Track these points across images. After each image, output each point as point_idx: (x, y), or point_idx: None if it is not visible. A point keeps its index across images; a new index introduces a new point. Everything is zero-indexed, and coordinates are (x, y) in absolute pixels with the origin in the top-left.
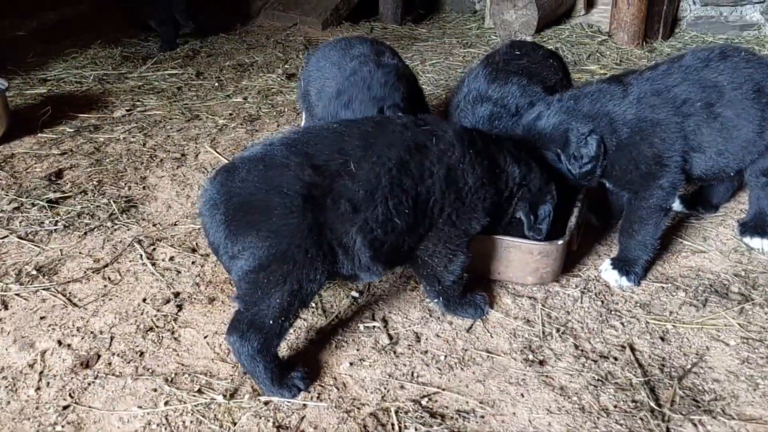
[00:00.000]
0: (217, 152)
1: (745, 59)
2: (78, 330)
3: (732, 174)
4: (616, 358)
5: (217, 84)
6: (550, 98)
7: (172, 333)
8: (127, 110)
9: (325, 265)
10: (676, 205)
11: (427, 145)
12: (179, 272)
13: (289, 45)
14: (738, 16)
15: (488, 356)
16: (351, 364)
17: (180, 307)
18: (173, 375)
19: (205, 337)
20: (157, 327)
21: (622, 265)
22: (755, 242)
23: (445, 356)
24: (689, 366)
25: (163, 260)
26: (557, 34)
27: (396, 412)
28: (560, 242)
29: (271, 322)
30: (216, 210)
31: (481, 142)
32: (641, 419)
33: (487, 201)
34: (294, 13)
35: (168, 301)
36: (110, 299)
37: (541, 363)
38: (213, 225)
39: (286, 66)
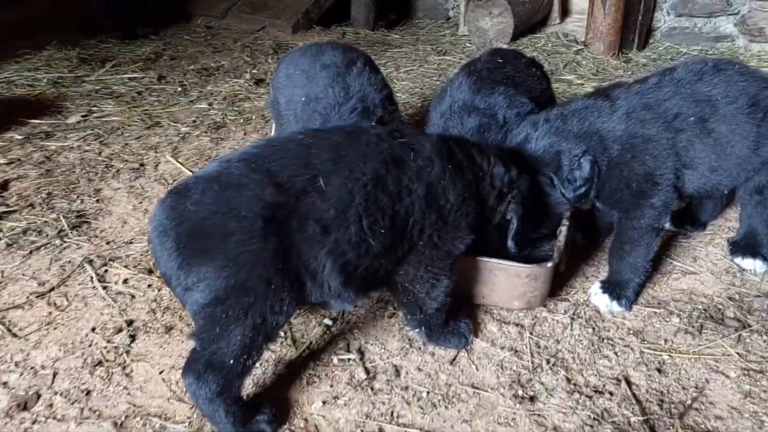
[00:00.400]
0: (179, 162)
1: (739, 72)
2: (17, 365)
3: (725, 192)
4: (611, 393)
5: (180, 89)
6: (536, 117)
7: (124, 368)
8: (83, 116)
9: (292, 294)
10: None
11: (405, 160)
12: (133, 297)
13: (257, 49)
14: (712, 27)
15: (474, 392)
16: (324, 402)
17: (133, 338)
18: (123, 418)
19: (161, 373)
20: (107, 361)
21: (612, 288)
22: (747, 263)
23: (428, 392)
24: (689, 401)
25: (115, 283)
26: (533, 43)
27: None
28: (549, 264)
29: (231, 361)
30: (166, 237)
31: (461, 153)
32: None
33: (471, 216)
34: (262, 15)
35: (120, 331)
36: (55, 328)
37: (532, 399)
38: (163, 254)
39: (254, 71)
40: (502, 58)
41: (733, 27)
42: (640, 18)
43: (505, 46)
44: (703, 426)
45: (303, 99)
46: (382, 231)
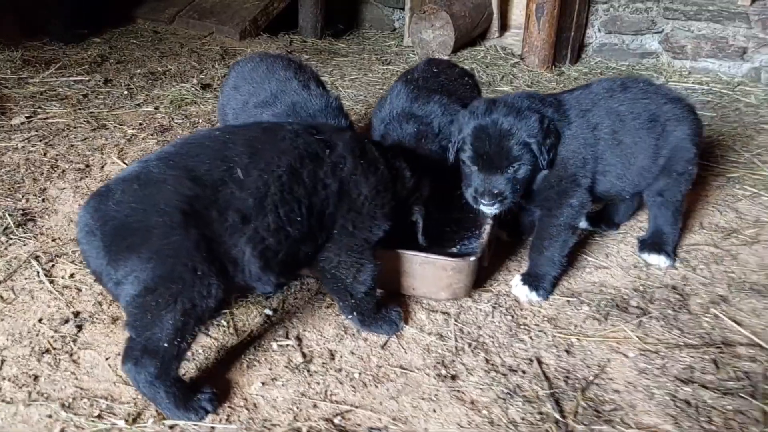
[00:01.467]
0: (125, 163)
1: (642, 90)
2: None
3: (627, 196)
4: (524, 372)
5: (126, 92)
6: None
7: (71, 355)
8: (27, 117)
9: (220, 279)
10: (582, 223)
11: (320, 155)
12: (80, 290)
13: (204, 54)
14: (639, 44)
15: (402, 372)
16: (263, 383)
17: (80, 328)
18: (71, 400)
19: (107, 359)
20: (54, 349)
21: (531, 280)
22: (653, 258)
23: (360, 373)
24: (591, 378)
25: (62, 277)
26: (473, 55)
27: None
28: (472, 258)
29: (166, 344)
30: (93, 237)
31: (374, 151)
32: (547, 431)
33: (386, 207)
34: (210, 21)
35: (67, 321)
36: (2, 320)
37: (453, 378)
38: (92, 252)
39: (201, 76)
40: (437, 68)
41: (658, 44)
42: (572, 34)
43: (446, 58)
44: (602, 398)
45: (249, 104)
46: (299, 219)
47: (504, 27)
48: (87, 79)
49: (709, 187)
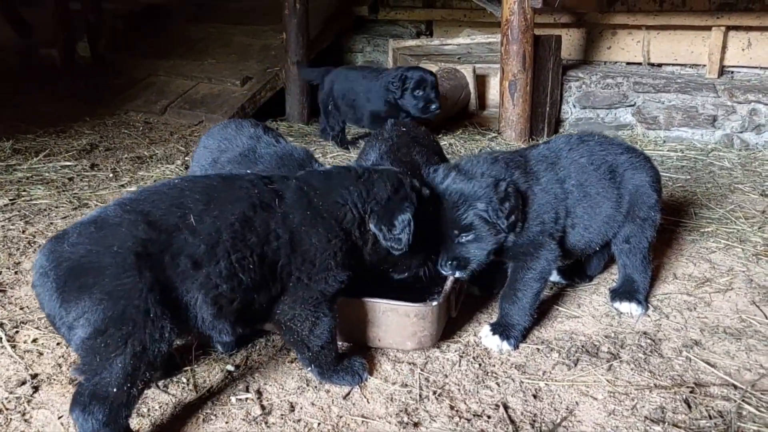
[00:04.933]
0: None
1: (599, 143)
2: None
3: (596, 248)
4: (489, 417)
5: (111, 174)
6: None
7: (23, 415)
8: (10, 200)
9: (173, 322)
10: (555, 277)
11: (272, 206)
12: (41, 354)
13: (192, 140)
14: (613, 117)
15: (363, 421)
16: None
17: (36, 389)
18: None
19: (59, 417)
20: (7, 409)
21: (502, 330)
22: (624, 306)
23: (319, 423)
24: (559, 420)
25: (25, 342)
26: (452, 131)
27: None
28: (435, 304)
29: (115, 390)
30: (46, 279)
31: (317, 197)
32: None
33: (339, 255)
34: (200, 111)
35: (23, 383)
36: None
37: (416, 425)
38: (45, 295)
39: (186, 158)
40: (404, 127)
41: (631, 117)
42: (547, 109)
43: None
44: None
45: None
46: (251, 267)
47: (482, 106)
48: (74, 164)
49: (683, 241)
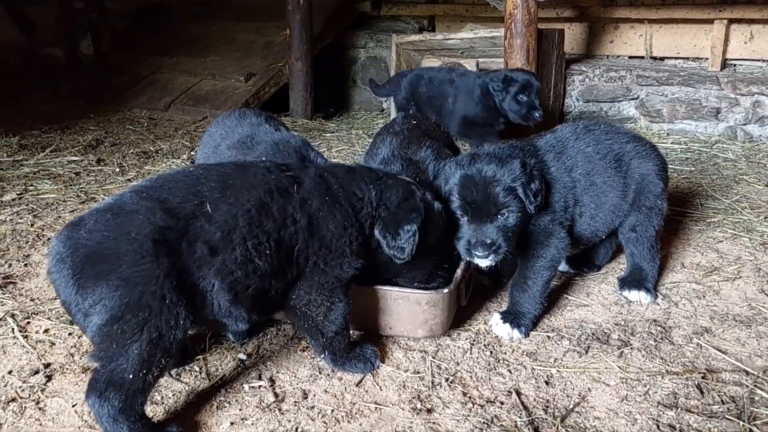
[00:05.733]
0: None
1: (604, 131)
2: None
3: (603, 237)
4: (502, 403)
5: (118, 169)
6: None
7: (37, 403)
8: (18, 194)
9: (188, 309)
10: (564, 267)
11: (290, 191)
12: (53, 344)
13: (197, 135)
14: (616, 111)
15: (376, 407)
16: (231, 423)
17: (49, 378)
18: None
19: (74, 406)
20: (21, 398)
21: (512, 318)
22: (633, 295)
23: (332, 410)
24: (572, 406)
25: (36, 332)
26: None
27: None
28: (446, 291)
29: (131, 376)
30: (63, 265)
31: (337, 185)
32: None
33: (354, 244)
34: (204, 107)
35: (36, 372)
36: None
37: (429, 411)
38: (62, 282)
39: (192, 153)
40: (415, 120)
41: (635, 110)
42: (551, 103)
43: None
44: (582, 425)
45: (221, 146)
46: (268, 252)
47: None
48: (80, 159)
49: (690, 231)
